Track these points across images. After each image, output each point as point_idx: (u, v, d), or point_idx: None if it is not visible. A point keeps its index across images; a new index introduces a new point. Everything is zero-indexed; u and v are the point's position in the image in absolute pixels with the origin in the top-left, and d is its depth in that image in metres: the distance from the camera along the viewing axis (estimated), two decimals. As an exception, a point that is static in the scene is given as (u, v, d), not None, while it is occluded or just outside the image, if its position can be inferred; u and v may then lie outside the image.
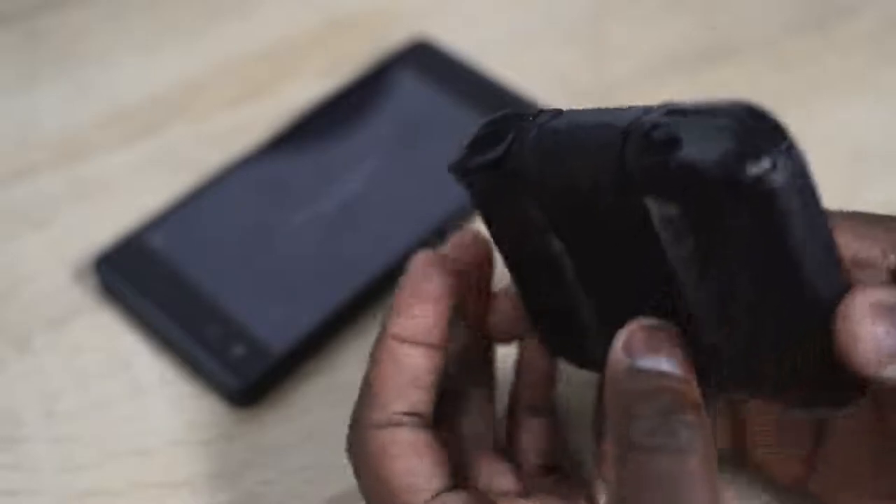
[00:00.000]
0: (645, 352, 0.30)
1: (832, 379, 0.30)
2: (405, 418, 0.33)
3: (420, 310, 0.34)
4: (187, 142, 0.52)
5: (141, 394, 0.44)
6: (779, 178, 0.27)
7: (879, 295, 0.28)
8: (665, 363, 0.30)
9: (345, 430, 0.43)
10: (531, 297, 0.35)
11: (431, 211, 0.48)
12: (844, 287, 0.29)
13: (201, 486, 0.42)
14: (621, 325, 0.32)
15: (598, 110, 0.31)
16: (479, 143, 0.34)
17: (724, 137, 0.27)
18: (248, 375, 0.43)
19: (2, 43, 0.56)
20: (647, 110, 0.30)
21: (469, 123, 0.51)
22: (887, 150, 0.51)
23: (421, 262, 0.34)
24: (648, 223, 0.30)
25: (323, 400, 0.44)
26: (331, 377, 0.45)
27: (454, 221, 0.48)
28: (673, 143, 0.28)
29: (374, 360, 0.34)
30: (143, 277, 0.46)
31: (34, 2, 0.58)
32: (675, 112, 0.29)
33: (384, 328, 0.34)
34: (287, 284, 0.46)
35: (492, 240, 0.36)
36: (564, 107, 0.53)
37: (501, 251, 0.35)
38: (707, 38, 0.57)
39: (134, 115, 0.53)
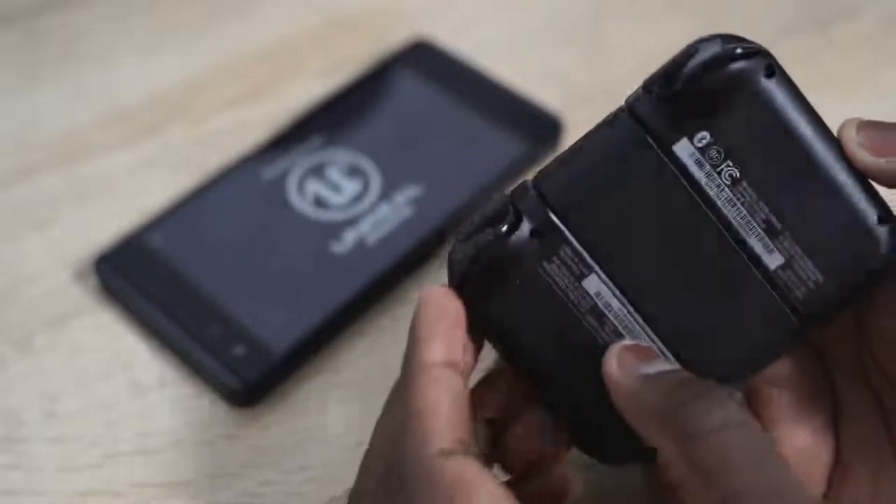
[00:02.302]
0: (641, 361, 0.32)
1: None
2: (459, 446, 0.32)
3: (447, 334, 0.33)
4: (187, 142, 0.52)
5: (141, 394, 0.44)
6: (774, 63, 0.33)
7: None
8: (665, 364, 0.32)
9: (345, 431, 0.43)
10: (567, 388, 0.34)
11: (431, 211, 0.48)
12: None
13: (201, 486, 0.42)
14: (693, 333, 0.33)
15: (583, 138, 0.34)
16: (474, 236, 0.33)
17: (717, 47, 0.32)
18: (248, 375, 0.43)
19: (2, 43, 0.56)
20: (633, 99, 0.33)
21: (469, 123, 0.51)
22: (887, 150, 0.51)
23: (436, 291, 0.34)
24: (684, 190, 0.32)
25: (323, 400, 0.44)
26: (331, 377, 0.45)
27: (453, 221, 0.48)
28: (679, 73, 0.32)
29: (413, 387, 0.32)
30: (143, 277, 0.46)
31: (34, 2, 0.58)
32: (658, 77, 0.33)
33: (413, 355, 0.33)
34: (287, 284, 0.46)
35: (509, 356, 0.35)
36: (562, 106, 0.53)
37: (525, 358, 0.34)
38: (707, 38, 0.56)
39: (134, 115, 0.53)
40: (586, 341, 0.33)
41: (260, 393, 0.43)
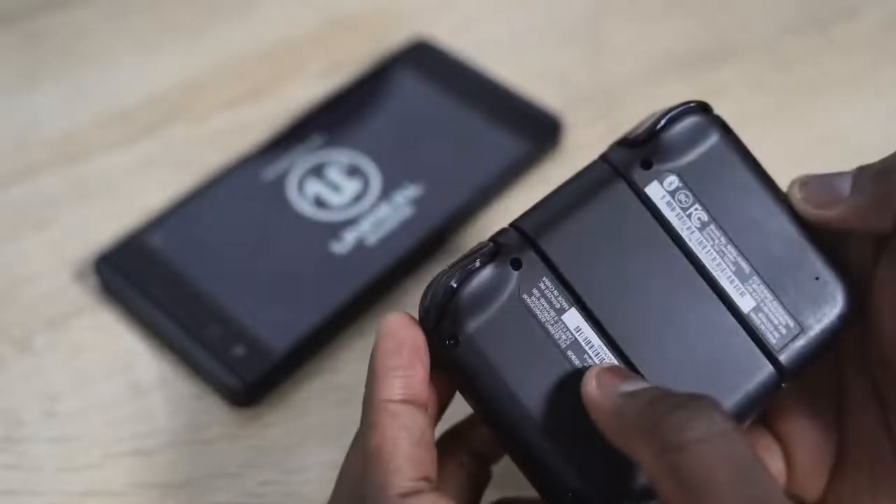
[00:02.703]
0: (620, 380, 0.31)
1: None
2: (424, 484, 0.31)
3: (405, 368, 0.32)
4: (187, 142, 0.52)
5: (141, 394, 0.44)
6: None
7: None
8: (641, 382, 0.31)
9: (344, 431, 0.43)
10: (542, 430, 0.32)
11: (431, 211, 0.48)
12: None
13: (201, 486, 0.42)
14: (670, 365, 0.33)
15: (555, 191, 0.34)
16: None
17: (660, 114, 0.34)
18: (248, 375, 0.43)
19: (2, 43, 0.56)
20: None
21: (469, 123, 0.51)
22: (887, 150, 0.51)
23: (393, 321, 0.33)
24: (659, 231, 0.34)
25: (323, 400, 0.44)
26: (331, 377, 0.45)
27: (453, 221, 0.48)
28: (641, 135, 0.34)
29: (372, 425, 0.32)
30: (143, 277, 0.46)
31: (34, 2, 0.58)
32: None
33: (371, 392, 0.32)
34: (287, 284, 0.46)
35: (478, 399, 0.33)
36: (562, 106, 0.53)
37: (496, 398, 0.32)
38: (707, 38, 0.57)
39: (134, 115, 0.53)
40: (566, 377, 0.32)
41: (260, 393, 0.43)
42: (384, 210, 0.48)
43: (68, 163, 0.51)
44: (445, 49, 0.54)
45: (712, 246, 0.34)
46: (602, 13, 0.58)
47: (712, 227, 0.34)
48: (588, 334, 0.33)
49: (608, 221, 0.33)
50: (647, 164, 0.34)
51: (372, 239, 0.47)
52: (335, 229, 0.48)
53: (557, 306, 0.33)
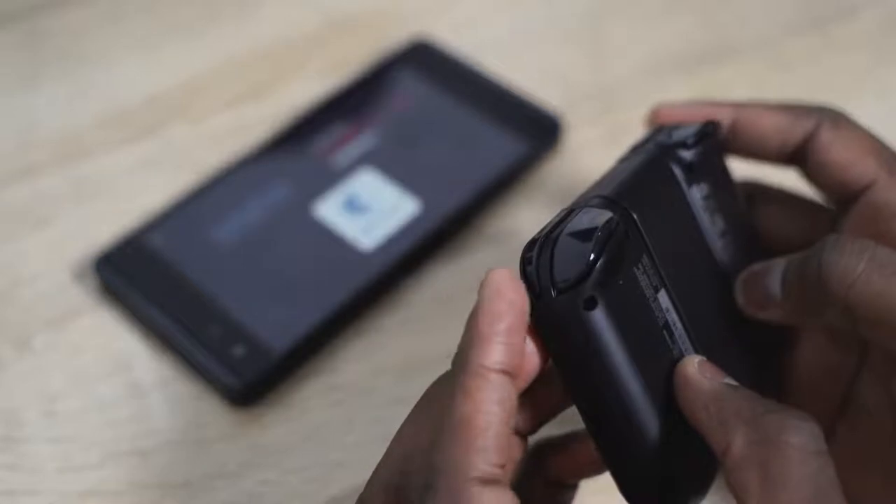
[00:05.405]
0: (722, 375, 0.32)
1: None
2: (501, 473, 0.29)
3: (510, 334, 0.30)
4: (187, 142, 0.52)
5: (141, 394, 0.44)
6: None
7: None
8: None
9: (344, 431, 0.43)
10: (638, 412, 0.31)
11: (431, 211, 0.48)
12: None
13: (201, 486, 0.42)
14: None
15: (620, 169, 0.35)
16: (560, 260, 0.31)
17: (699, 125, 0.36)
18: (248, 375, 0.43)
19: (2, 43, 0.56)
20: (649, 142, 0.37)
21: (469, 123, 0.51)
22: (887, 150, 0.51)
23: (502, 279, 0.30)
24: (698, 231, 0.36)
25: (323, 400, 0.44)
26: (331, 377, 0.45)
27: (453, 221, 0.48)
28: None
29: (467, 390, 0.29)
30: (143, 277, 0.46)
31: (34, 2, 0.58)
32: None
33: (470, 355, 0.30)
34: (287, 284, 0.46)
35: (574, 371, 0.31)
36: (562, 106, 0.53)
37: (596, 373, 0.31)
38: (707, 38, 0.56)
39: (134, 115, 0.53)
40: (661, 355, 0.32)
41: (260, 393, 0.43)
42: (384, 210, 0.48)
43: (68, 163, 0.51)
44: (445, 49, 0.54)
45: (730, 252, 0.36)
46: (602, 13, 0.58)
47: (729, 237, 0.36)
48: (674, 317, 0.33)
49: (671, 214, 0.34)
50: (689, 169, 0.35)
51: (372, 239, 0.47)
52: (336, 229, 0.48)
53: (654, 283, 0.32)
